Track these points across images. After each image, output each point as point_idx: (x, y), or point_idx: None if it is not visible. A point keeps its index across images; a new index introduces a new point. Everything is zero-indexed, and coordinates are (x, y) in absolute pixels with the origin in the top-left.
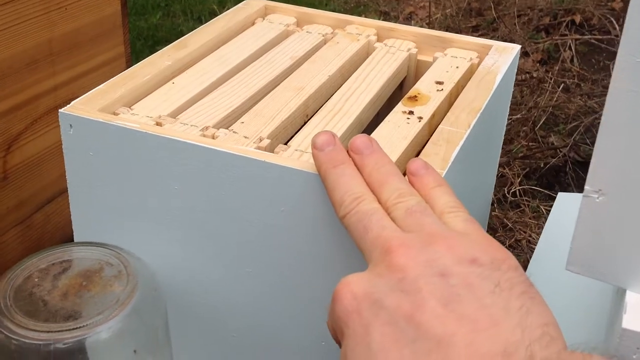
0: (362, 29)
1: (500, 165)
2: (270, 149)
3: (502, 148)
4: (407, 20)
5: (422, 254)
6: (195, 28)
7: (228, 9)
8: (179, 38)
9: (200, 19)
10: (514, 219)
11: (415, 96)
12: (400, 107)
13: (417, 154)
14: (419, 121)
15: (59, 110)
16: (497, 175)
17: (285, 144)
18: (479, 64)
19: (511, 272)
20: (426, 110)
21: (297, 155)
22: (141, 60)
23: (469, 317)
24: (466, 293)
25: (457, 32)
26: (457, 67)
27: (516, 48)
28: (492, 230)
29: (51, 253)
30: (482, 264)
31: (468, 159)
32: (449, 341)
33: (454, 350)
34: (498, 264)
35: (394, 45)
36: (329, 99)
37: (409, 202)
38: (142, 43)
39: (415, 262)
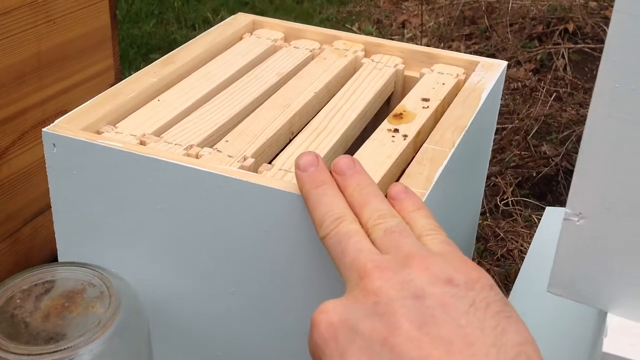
0: (349, 44)
1: (492, 175)
2: (254, 168)
3: (495, 157)
4: (401, 29)
5: (397, 276)
6: (188, 36)
7: (222, 17)
8: (172, 46)
9: (194, 27)
10: (506, 229)
11: (401, 114)
12: (385, 125)
13: (402, 173)
14: (404, 139)
15: (43, 129)
16: (490, 184)
17: (270, 162)
18: (465, 80)
19: (486, 291)
20: (411, 128)
21: (280, 175)
22: (134, 67)
23: (443, 339)
24: (441, 314)
25: (450, 41)
26: (443, 84)
27: (502, 64)
28: (484, 239)
29: (34, 273)
30: (457, 284)
31: (453, 176)
32: None
33: None
34: (472, 283)
35: (381, 60)
36: (314, 116)
37: (389, 223)
38: (135, 51)
39: (390, 285)
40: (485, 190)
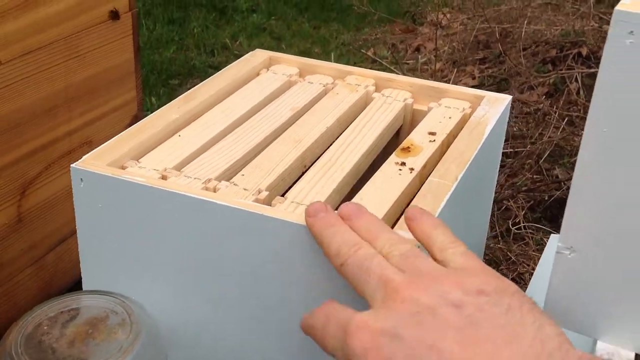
0: (361, 79)
1: (504, 198)
2: (268, 201)
3: (507, 181)
4: (415, 53)
5: (433, 288)
6: (207, 61)
7: (240, 43)
8: (191, 71)
9: (213, 53)
10: (517, 252)
11: (409, 147)
12: (393, 159)
13: (407, 205)
14: (411, 172)
15: (71, 165)
16: (502, 208)
17: (283, 194)
18: (471, 114)
19: (516, 295)
20: (418, 162)
21: (292, 208)
22: (154, 93)
23: (489, 337)
24: (481, 318)
25: (463, 65)
26: (449, 118)
27: (507, 99)
28: (495, 263)
29: (61, 301)
30: (488, 293)
31: (457, 207)
32: None
33: None
34: (501, 291)
35: (391, 95)
36: (326, 149)
37: (402, 248)
38: (155, 77)
39: (428, 295)
40: (497, 214)
